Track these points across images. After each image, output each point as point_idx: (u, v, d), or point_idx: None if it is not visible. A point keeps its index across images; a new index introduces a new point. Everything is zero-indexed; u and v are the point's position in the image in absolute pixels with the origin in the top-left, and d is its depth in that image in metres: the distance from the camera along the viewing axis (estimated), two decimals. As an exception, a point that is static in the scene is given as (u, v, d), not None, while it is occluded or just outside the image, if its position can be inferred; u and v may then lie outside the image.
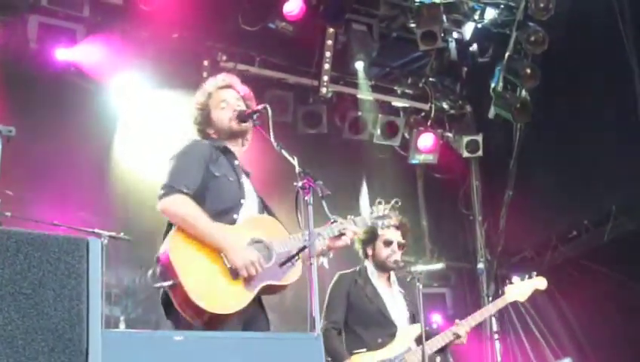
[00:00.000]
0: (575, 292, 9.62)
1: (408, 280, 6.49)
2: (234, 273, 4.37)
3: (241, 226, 4.60)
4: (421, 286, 5.97)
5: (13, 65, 8.64)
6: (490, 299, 10.87)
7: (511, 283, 6.83)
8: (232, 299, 4.33)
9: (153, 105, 9.29)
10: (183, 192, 4.48)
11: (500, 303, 6.79)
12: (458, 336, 6.42)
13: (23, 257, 2.65)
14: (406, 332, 6.34)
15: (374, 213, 5.26)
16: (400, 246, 6.59)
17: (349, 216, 4.92)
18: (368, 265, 6.65)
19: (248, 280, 4.38)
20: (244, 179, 4.82)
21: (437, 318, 10.44)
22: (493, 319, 11.15)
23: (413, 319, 6.50)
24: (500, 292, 6.89)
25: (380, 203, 5.30)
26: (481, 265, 11.39)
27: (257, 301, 4.61)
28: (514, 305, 9.96)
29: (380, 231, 6.32)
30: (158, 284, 4.36)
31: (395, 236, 6.58)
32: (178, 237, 4.43)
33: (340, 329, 6.34)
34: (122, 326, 7.52)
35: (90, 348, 2.69)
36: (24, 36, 8.57)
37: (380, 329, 6.34)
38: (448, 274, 11.35)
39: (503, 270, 11.23)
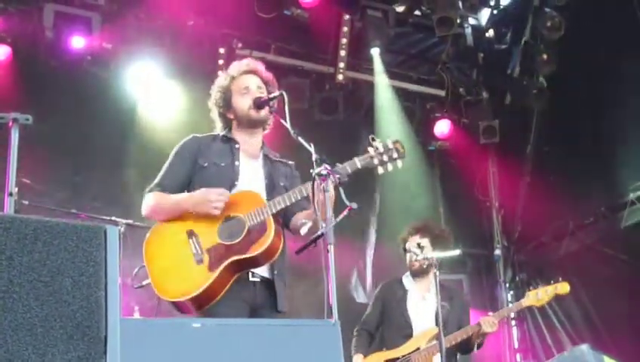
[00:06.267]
0: (592, 279, 9.58)
1: (425, 266, 6.60)
2: (198, 257, 4.42)
3: None
4: (438, 273, 6.00)
5: (29, 53, 8.68)
6: (507, 285, 11.04)
7: (535, 288, 6.91)
8: (186, 284, 4.35)
9: (169, 92, 9.30)
10: (155, 190, 4.65)
11: (515, 308, 6.94)
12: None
13: (42, 245, 2.65)
14: (421, 335, 6.52)
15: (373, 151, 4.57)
16: (419, 246, 6.74)
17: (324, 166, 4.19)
18: (406, 273, 6.98)
19: (212, 262, 4.39)
20: (245, 163, 4.78)
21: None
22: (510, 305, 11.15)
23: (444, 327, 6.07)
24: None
25: (373, 139, 4.59)
26: (498, 252, 11.36)
27: (265, 285, 4.60)
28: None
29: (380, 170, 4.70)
30: (137, 286, 4.50)
31: (415, 240, 6.83)
32: (153, 231, 4.60)
33: (370, 330, 6.85)
34: (136, 315, 7.53)
35: (109, 335, 2.70)
36: (40, 25, 8.60)
37: (399, 330, 6.64)
38: (465, 260, 11.31)
39: (520, 256, 11.21)
